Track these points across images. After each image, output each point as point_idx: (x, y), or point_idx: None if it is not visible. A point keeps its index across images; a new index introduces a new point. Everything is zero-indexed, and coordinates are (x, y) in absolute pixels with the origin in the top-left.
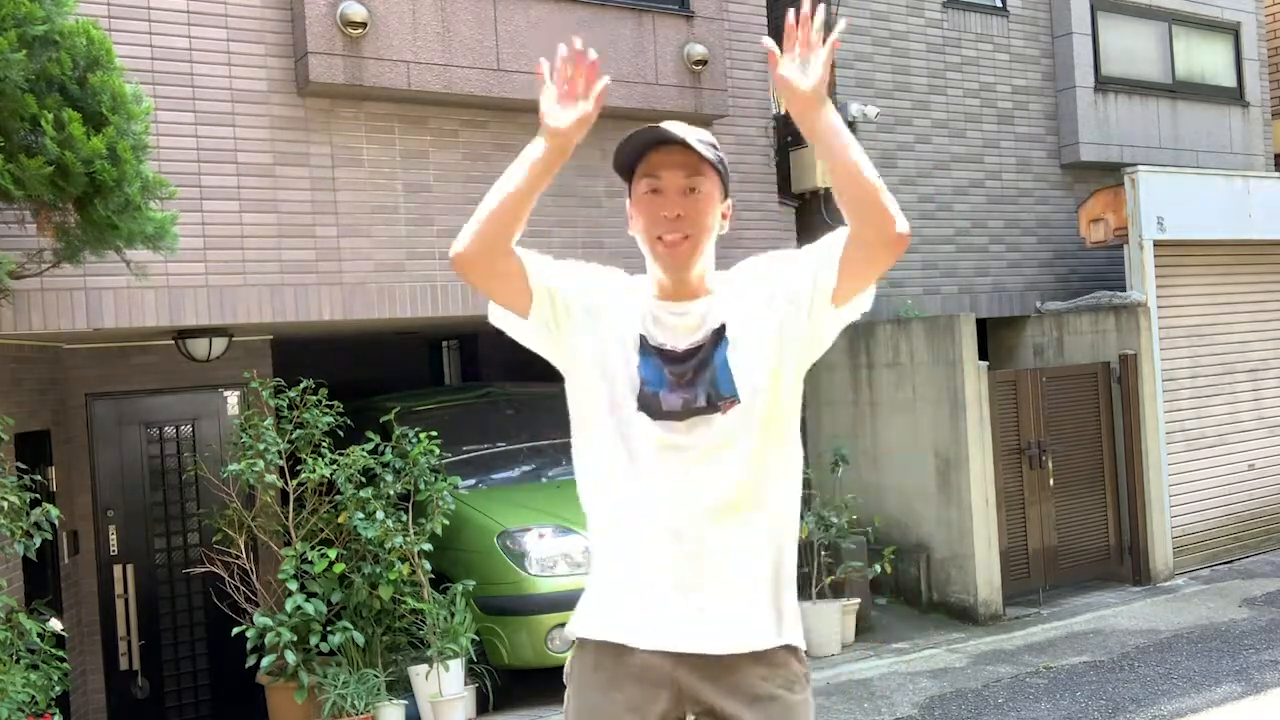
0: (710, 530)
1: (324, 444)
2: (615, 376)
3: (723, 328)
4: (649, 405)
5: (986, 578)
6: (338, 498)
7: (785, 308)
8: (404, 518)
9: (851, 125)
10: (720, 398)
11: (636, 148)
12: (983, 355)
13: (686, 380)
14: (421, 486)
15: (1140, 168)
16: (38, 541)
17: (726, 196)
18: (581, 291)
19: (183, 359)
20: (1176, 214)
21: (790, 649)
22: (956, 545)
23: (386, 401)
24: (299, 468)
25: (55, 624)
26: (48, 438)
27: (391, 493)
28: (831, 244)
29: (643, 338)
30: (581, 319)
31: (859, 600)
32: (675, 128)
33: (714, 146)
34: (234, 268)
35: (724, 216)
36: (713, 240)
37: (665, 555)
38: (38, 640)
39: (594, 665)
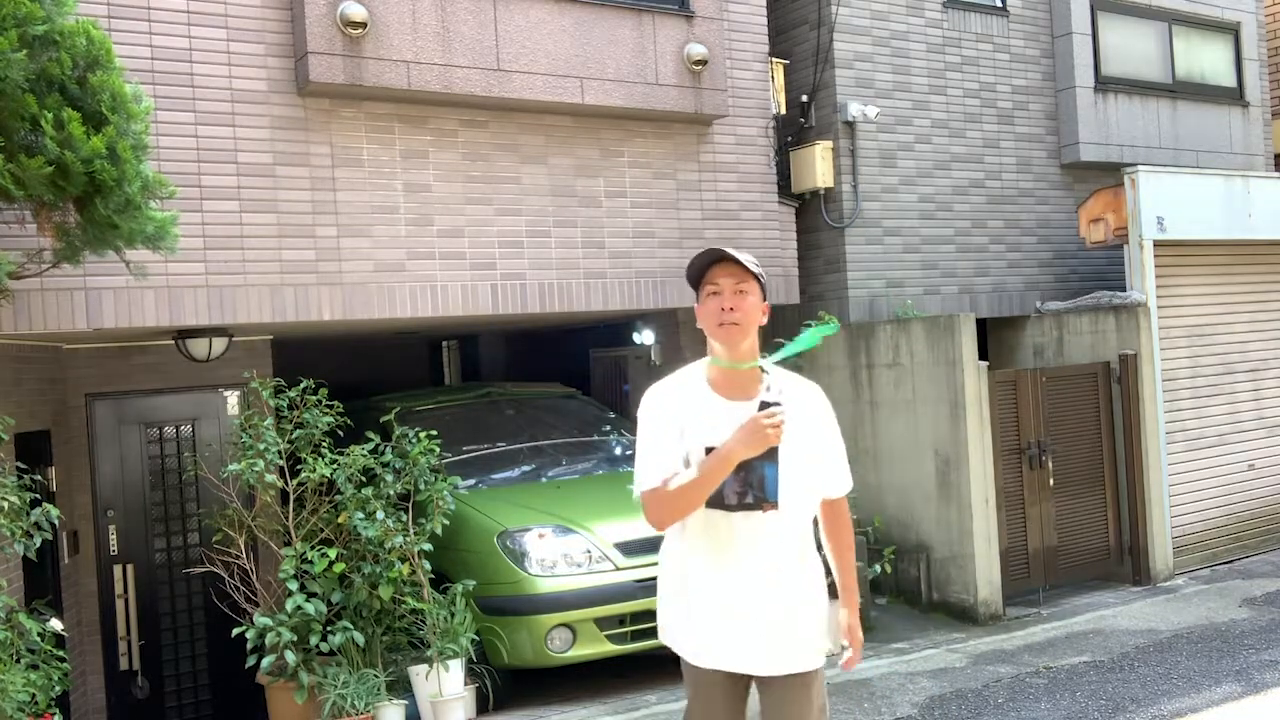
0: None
1: (324, 444)
2: None
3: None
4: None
5: (986, 578)
6: (338, 498)
7: (818, 457)
8: (404, 518)
9: (851, 125)
10: (764, 500)
11: (703, 264)
12: (983, 355)
13: (741, 479)
14: (421, 486)
15: (1140, 168)
16: (38, 541)
17: (765, 299)
18: (680, 437)
19: (183, 359)
20: (1176, 214)
21: None
22: (956, 545)
23: (386, 401)
24: (299, 468)
25: (55, 624)
26: (48, 438)
27: (391, 493)
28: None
29: (708, 450)
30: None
31: (859, 600)
32: (729, 250)
33: (756, 263)
34: (234, 268)
35: (763, 312)
36: (756, 327)
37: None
38: (38, 640)
39: None
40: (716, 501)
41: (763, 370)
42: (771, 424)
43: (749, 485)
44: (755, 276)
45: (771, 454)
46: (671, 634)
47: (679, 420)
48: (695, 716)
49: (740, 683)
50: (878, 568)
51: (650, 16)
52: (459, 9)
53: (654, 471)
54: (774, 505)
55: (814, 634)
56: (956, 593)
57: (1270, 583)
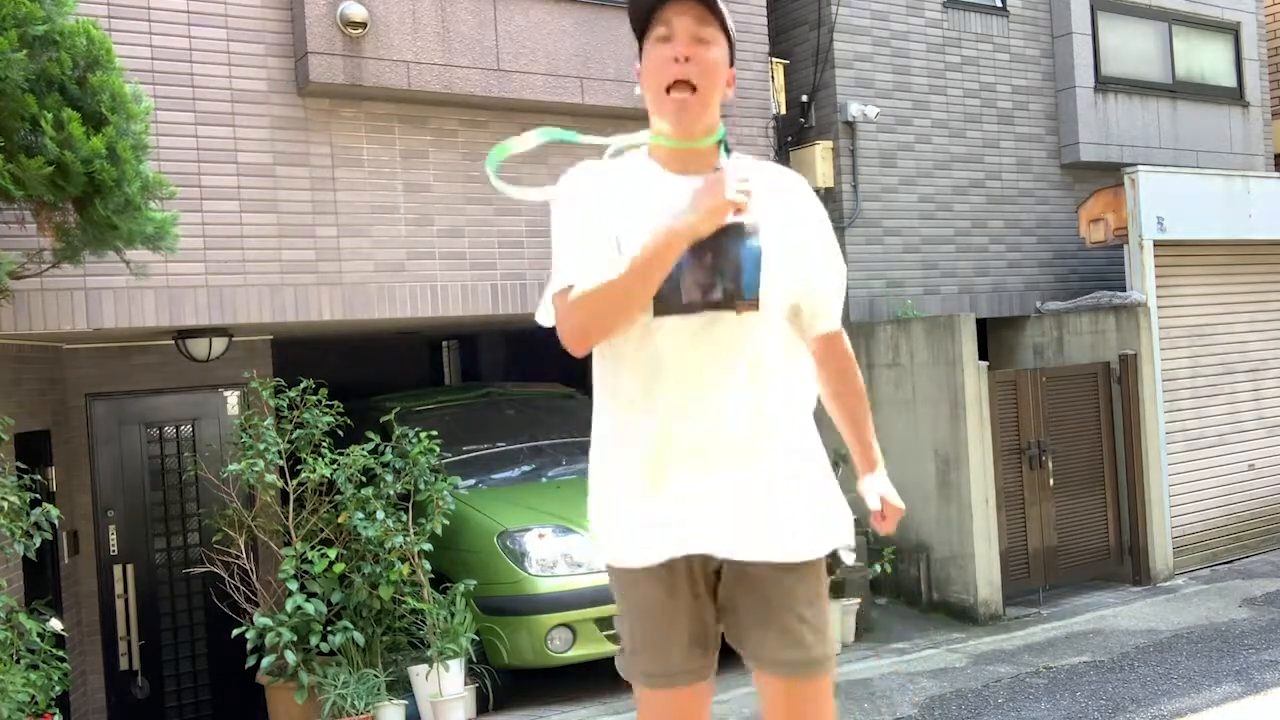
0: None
1: (324, 444)
2: None
3: (750, 223)
4: (667, 299)
5: (986, 578)
6: (338, 498)
7: (804, 259)
8: (404, 518)
9: (851, 125)
10: (738, 297)
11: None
12: (983, 355)
13: (706, 265)
14: (421, 486)
15: (1140, 168)
16: (38, 541)
17: (732, 64)
18: (603, 221)
19: (183, 359)
20: (1176, 214)
21: None
22: (956, 545)
23: (386, 401)
24: (299, 468)
25: (55, 624)
26: (48, 438)
27: (391, 493)
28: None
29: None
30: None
31: (859, 600)
32: None
33: (724, 4)
34: (234, 268)
35: (728, 84)
36: (718, 101)
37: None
38: (38, 640)
39: None
40: (668, 303)
41: (724, 147)
42: (739, 187)
43: (718, 274)
44: (723, 23)
45: (745, 231)
46: (608, 540)
47: (610, 200)
48: (632, 633)
49: (698, 579)
50: (877, 567)
51: None
52: (459, 9)
53: (572, 267)
54: (752, 305)
55: (811, 507)
56: (956, 593)
57: (1270, 583)
